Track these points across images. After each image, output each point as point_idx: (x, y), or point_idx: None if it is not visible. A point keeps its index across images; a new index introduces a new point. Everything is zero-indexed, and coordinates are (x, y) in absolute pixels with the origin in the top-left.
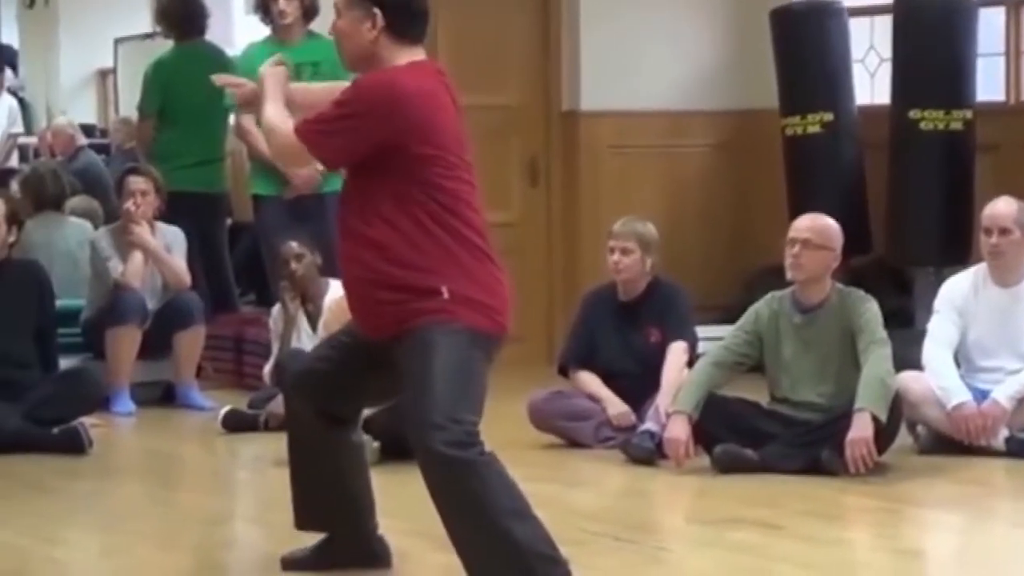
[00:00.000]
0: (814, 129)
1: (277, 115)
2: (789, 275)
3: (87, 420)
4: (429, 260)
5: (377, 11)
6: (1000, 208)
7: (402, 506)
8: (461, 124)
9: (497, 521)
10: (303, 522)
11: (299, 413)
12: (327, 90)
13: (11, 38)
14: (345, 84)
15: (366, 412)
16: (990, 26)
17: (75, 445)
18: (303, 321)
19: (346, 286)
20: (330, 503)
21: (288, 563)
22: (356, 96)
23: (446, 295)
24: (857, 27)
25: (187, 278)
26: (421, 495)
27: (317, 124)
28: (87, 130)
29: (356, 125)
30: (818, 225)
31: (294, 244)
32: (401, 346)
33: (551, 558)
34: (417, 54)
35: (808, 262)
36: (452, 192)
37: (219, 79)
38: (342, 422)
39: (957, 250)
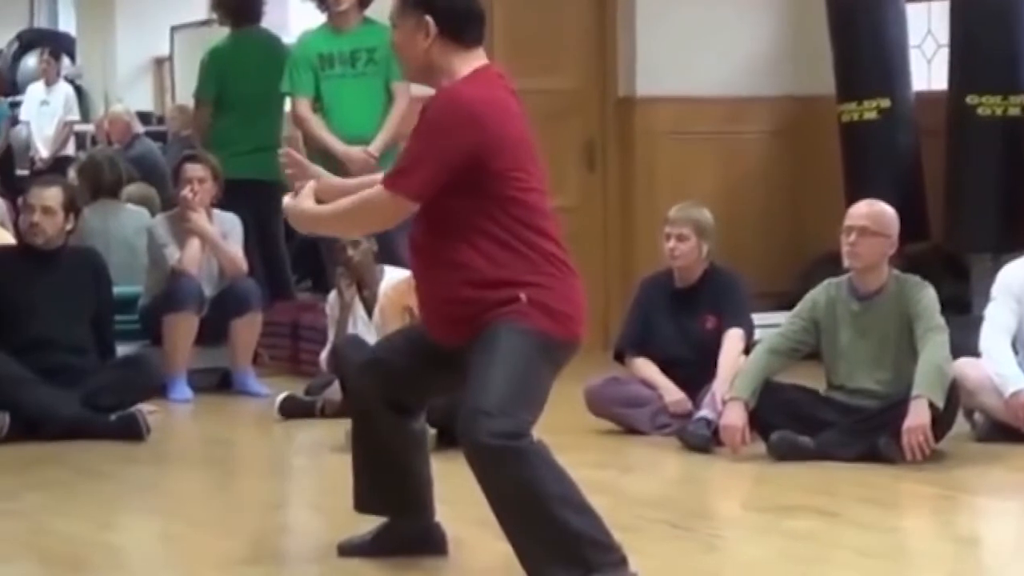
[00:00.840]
0: (871, 115)
1: (358, 191)
2: (846, 263)
3: (144, 407)
4: (507, 273)
5: (428, 18)
6: None
7: (459, 494)
8: (528, 128)
9: (547, 509)
10: (362, 505)
11: (364, 398)
12: (360, 184)
13: (68, 26)
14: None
15: None
16: None
17: (132, 432)
18: (359, 308)
19: (421, 300)
20: (391, 488)
21: (345, 549)
22: (427, 123)
23: (524, 300)
24: (914, 12)
25: (244, 265)
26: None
27: (400, 166)
28: (143, 118)
29: (435, 152)
30: (874, 212)
31: None
32: (471, 345)
33: (605, 545)
34: (478, 58)
35: (865, 250)
36: (528, 204)
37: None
38: (407, 410)
39: (1014, 236)
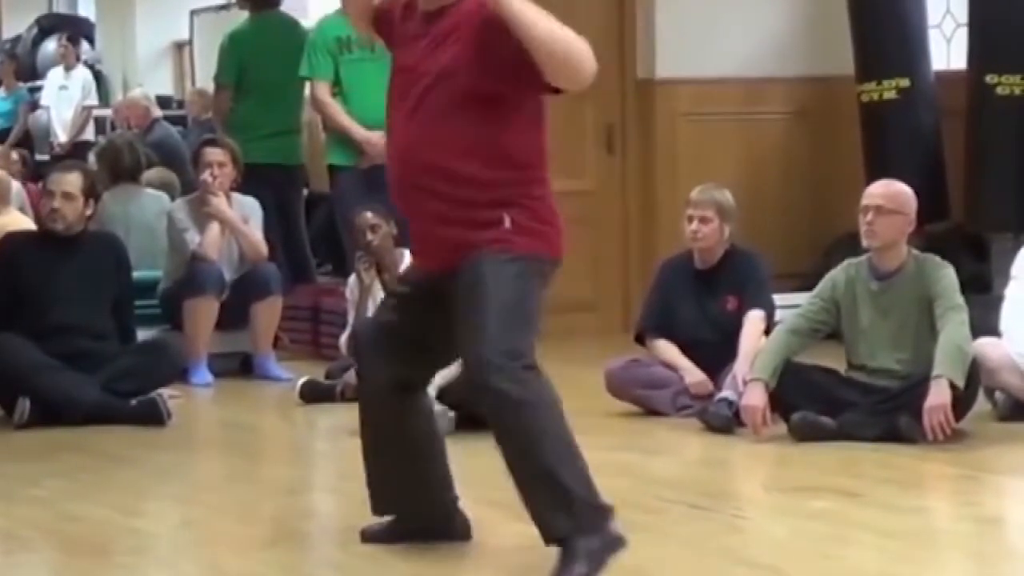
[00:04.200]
0: (890, 95)
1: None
2: (864, 242)
3: (165, 391)
4: (495, 193)
5: None
6: None
7: (478, 476)
8: None
9: (547, 465)
10: (380, 507)
11: (369, 381)
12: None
13: (88, 11)
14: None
15: (441, 381)
16: None
17: (154, 416)
18: (379, 291)
19: (412, 230)
20: (406, 481)
21: (368, 536)
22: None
23: (507, 225)
24: None
25: (264, 249)
26: (497, 465)
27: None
28: (163, 102)
29: None
30: (890, 191)
31: (369, 214)
32: (459, 279)
33: (595, 506)
34: None
35: (882, 228)
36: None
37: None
38: (411, 388)
39: None
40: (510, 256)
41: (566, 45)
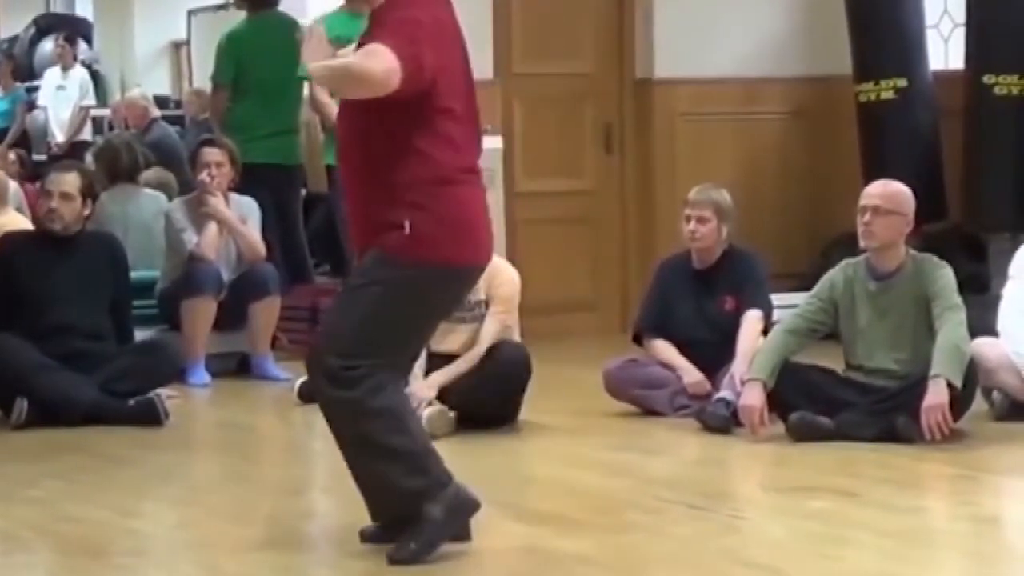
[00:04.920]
0: (888, 95)
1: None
2: (862, 243)
3: (163, 392)
4: (404, 194)
5: None
6: None
7: (478, 476)
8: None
9: (377, 465)
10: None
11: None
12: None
13: (85, 11)
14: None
15: (443, 379)
16: None
17: (151, 417)
18: None
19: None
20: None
21: (367, 536)
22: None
23: (407, 230)
24: None
25: (262, 249)
26: (497, 465)
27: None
28: (161, 102)
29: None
30: (888, 191)
31: None
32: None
33: (422, 490)
34: None
35: (880, 229)
36: (446, 115)
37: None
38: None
39: None
40: (401, 261)
41: (345, 75)
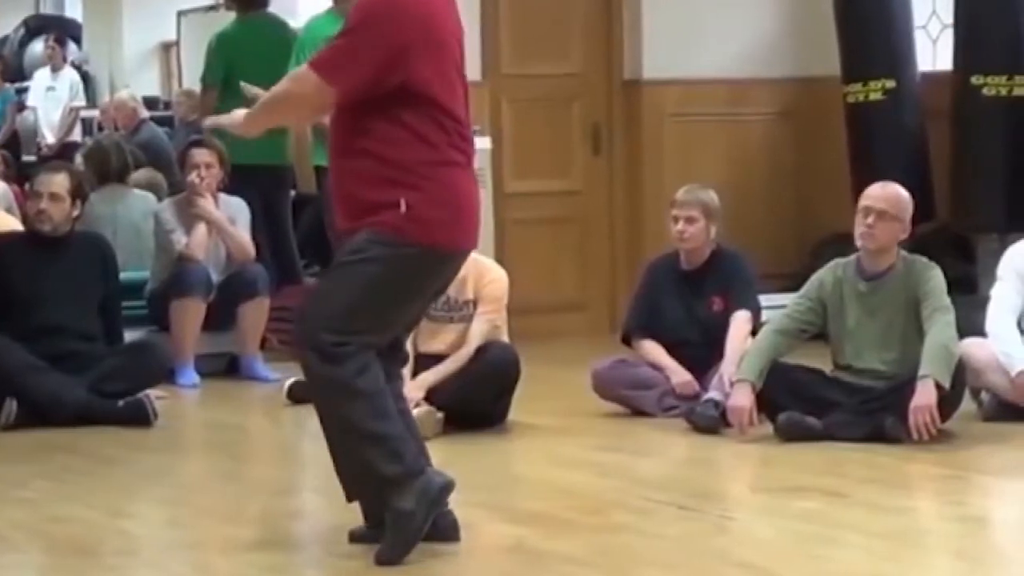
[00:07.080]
0: (876, 96)
1: (277, 87)
2: (860, 244)
3: (152, 392)
4: (394, 172)
5: None
6: None
7: (466, 477)
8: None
9: (358, 446)
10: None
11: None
12: None
13: (75, 12)
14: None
15: (434, 378)
16: None
17: (140, 417)
18: None
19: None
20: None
21: (356, 536)
22: (357, 14)
23: (402, 209)
24: None
25: (251, 249)
26: (486, 465)
27: (328, 52)
28: (150, 103)
29: (360, 43)
30: (894, 197)
31: None
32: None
33: (398, 479)
34: None
35: (882, 233)
36: (436, 102)
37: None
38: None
39: (1021, 217)
40: (391, 240)
41: (273, 105)
